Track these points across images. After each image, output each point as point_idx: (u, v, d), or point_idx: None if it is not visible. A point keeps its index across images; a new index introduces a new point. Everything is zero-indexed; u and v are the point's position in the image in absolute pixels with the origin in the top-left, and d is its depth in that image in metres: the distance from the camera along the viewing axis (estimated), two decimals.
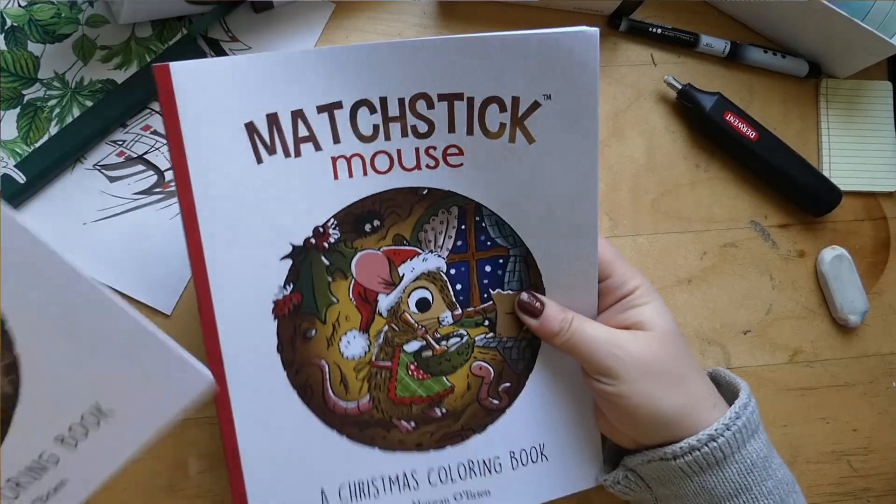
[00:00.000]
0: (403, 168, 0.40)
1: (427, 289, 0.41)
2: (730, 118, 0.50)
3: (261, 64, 0.37)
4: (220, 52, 0.49)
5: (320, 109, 0.38)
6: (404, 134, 0.39)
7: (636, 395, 0.38)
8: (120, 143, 0.48)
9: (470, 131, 0.39)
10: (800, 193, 0.51)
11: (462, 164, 0.40)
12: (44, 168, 0.45)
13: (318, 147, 0.38)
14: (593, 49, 0.38)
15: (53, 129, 0.47)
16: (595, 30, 0.37)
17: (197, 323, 0.38)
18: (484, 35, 0.37)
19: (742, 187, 0.52)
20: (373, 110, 0.39)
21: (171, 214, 0.47)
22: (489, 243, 0.41)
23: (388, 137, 0.39)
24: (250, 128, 0.37)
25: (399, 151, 0.39)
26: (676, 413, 0.38)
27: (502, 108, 0.39)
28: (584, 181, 0.40)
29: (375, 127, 0.39)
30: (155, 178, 0.48)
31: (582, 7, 0.52)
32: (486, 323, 0.42)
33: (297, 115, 0.38)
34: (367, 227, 0.40)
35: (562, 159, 0.40)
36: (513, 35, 0.38)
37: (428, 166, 0.40)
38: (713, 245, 0.51)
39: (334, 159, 0.39)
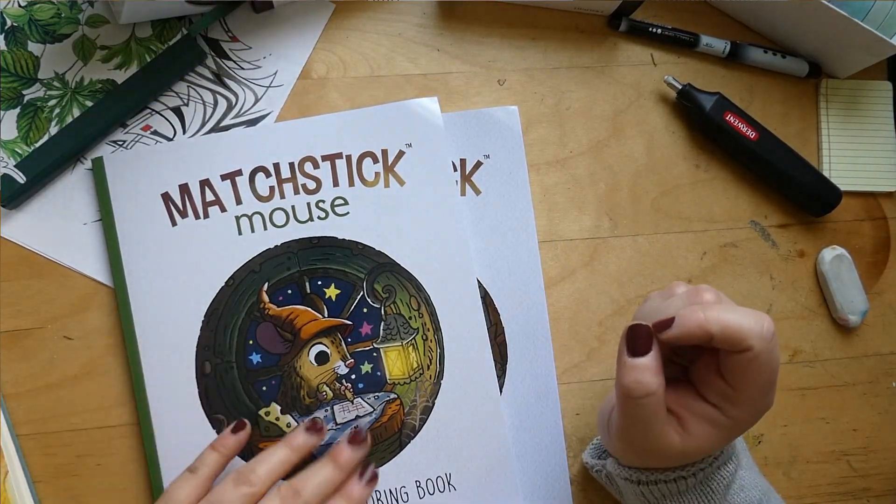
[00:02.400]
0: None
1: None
2: (730, 118, 0.50)
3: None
4: (220, 52, 0.49)
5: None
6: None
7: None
8: (120, 143, 0.48)
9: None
10: (800, 193, 0.51)
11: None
12: (44, 168, 0.45)
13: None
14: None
15: (53, 129, 0.47)
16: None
17: None
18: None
19: (742, 187, 0.52)
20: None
21: None
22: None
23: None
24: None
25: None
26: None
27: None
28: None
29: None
30: None
31: (582, 7, 0.52)
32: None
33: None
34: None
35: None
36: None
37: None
38: (713, 245, 0.51)
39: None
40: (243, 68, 0.49)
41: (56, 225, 0.46)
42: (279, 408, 0.45)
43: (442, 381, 0.46)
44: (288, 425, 0.45)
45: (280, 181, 0.47)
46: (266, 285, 0.46)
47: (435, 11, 0.52)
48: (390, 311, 0.46)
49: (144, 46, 0.49)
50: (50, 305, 0.46)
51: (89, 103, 0.47)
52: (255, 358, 0.45)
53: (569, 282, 0.49)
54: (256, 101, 0.49)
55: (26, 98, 0.47)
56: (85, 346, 0.46)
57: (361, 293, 0.46)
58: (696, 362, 0.37)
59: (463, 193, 0.49)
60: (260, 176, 0.47)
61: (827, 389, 0.51)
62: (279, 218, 0.46)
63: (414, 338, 0.46)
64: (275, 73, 0.49)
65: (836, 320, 0.51)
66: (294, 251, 0.46)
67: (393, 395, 0.46)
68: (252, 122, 0.49)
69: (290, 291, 0.46)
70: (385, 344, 0.46)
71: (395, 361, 0.46)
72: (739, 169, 0.52)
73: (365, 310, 0.46)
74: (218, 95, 0.49)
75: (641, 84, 0.52)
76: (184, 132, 0.48)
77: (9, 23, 0.48)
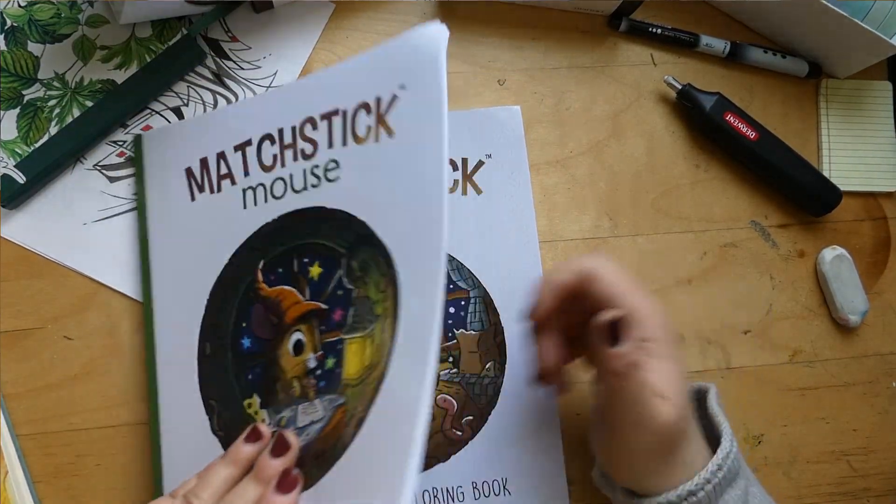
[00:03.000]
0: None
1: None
2: (730, 118, 0.50)
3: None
4: (220, 52, 0.49)
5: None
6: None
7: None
8: (120, 143, 0.48)
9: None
10: (800, 193, 0.51)
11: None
12: (44, 168, 0.45)
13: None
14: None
15: (53, 129, 0.47)
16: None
17: None
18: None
19: (742, 187, 0.52)
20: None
21: None
22: (451, 286, 0.48)
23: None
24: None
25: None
26: (662, 475, 0.38)
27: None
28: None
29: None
30: None
31: (581, 7, 0.52)
32: (450, 360, 0.47)
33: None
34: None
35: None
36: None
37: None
38: (713, 245, 0.51)
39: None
40: (243, 68, 0.49)
41: (56, 225, 0.47)
42: (259, 401, 0.41)
43: (381, 386, 0.35)
44: (263, 421, 0.40)
45: (282, 147, 0.43)
46: (262, 263, 0.42)
47: (435, 11, 0.52)
48: (360, 293, 0.39)
49: (144, 46, 0.49)
50: (50, 305, 0.46)
51: (89, 103, 0.47)
52: (246, 342, 0.42)
53: None
54: None
55: (26, 98, 0.47)
56: (85, 346, 0.46)
57: (340, 272, 0.40)
58: (591, 337, 0.38)
59: (464, 193, 0.49)
60: (266, 144, 0.44)
61: (827, 389, 0.51)
62: (278, 189, 0.43)
63: (374, 327, 0.37)
64: (275, 74, 0.50)
65: (836, 320, 0.51)
66: (287, 225, 0.42)
67: (341, 400, 0.37)
68: None
69: (280, 270, 0.42)
70: (350, 334, 0.39)
71: (354, 357, 0.38)
72: (739, 169, 0.52)
73: (339, 292, 0.40)
74: (218, 95, 0.49)
75: (641, 84, 0.52)
76: None
77: (9, 23, 0.48)
